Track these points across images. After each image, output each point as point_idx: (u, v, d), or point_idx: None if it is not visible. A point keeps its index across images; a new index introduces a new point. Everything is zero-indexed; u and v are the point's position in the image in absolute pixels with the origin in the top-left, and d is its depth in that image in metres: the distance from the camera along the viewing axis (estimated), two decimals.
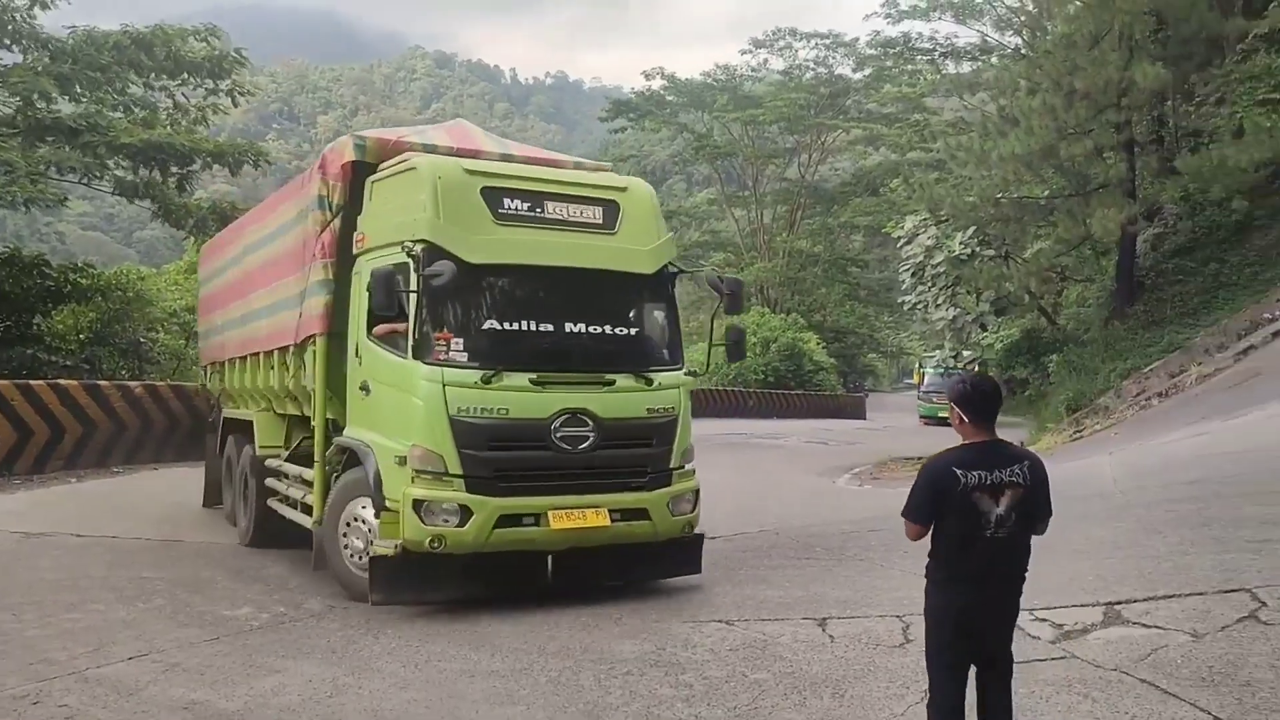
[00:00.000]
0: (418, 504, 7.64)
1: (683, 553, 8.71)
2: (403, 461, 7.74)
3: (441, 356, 7.75)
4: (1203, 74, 29.66)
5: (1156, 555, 8.29)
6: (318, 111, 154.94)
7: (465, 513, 7.66)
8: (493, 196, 8.09)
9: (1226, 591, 6.98)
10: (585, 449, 8.01)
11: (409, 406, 7.81)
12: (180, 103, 23.34)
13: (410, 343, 7.82)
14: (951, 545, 4.23)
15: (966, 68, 40.95)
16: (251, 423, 11.39)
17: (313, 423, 9.24)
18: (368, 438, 8.24)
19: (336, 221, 8.99)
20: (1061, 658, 6.06)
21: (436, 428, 7.66)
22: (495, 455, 7.80)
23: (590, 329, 8.32)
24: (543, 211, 8.21)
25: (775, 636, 7.00)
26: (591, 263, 8.36)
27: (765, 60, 59.12)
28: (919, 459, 23.08)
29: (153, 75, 22.42)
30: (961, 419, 4.35)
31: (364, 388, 8.39)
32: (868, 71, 53.58)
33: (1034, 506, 4.27)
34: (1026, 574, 4.38)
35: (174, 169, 21.98)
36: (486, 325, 8.04)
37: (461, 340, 7.85)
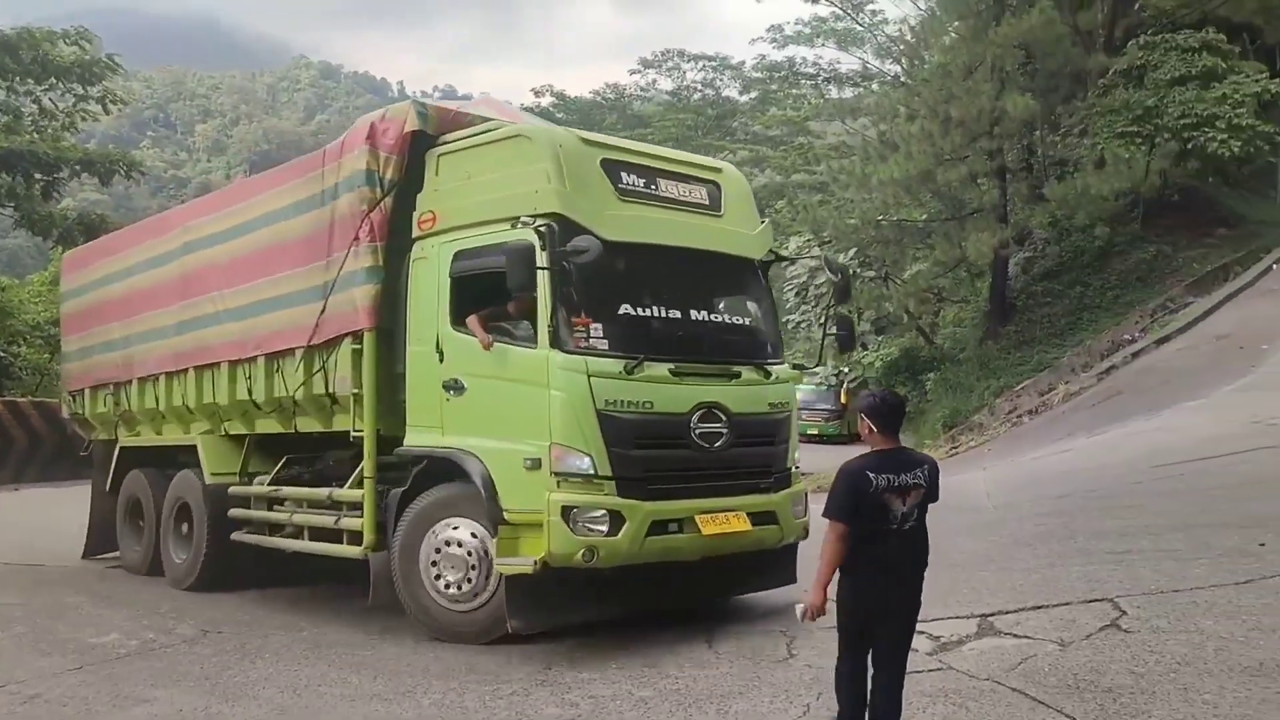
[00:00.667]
0: (566, 511, 6.71)
1: (780, 561, 7.93)
2: (535, 465, 6.80)
3: (582, 344, 6.90)
4: (1068, 106, 31.15)
5: (1027, 568, 8.62)
6: (196, 119, 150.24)
7: (616, 520, 6.77)
8: (612, 170, 7.38)
9: (1090, 601, 7.30)
10: (719, 447, 7.30)
11: (539, 401, 6.84)
12: (47, 108, 22.39)
13: (546, 329, 6.87)
14: (864, 539, 4.67)
15: (849, 93, 42.05)
16: (191, 448, 10.11)
17: (355, 433, 8.08)
18: (465, 443, 7.22)
19: (389, 200, 7.90)
20: (938, 669, 6.23)
21: (583, 424, 6.77)
22: (644, 454, 6.98)
23: (712, 316, 7.78)
24: (656, 189, 7.57)
25: (662, 654, 7.02)
26: (709, 244, 7.78)
27: (654, 80, 59.75)
28: (805, 474, 23.47)
29: (17, 79, 21.49)
30: (870, 429, 4.83)
31: (452, 386, 7.36)
32: (754, 94, 54.60)
33: (930, 502, 4.85)
34: (928, 562, 4.91)
35: (38, 176, 21.06)
36: (621, 310, 7.24)
37: (600, 326, 7.01)
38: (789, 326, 49.08)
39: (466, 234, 7.44)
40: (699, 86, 57.65)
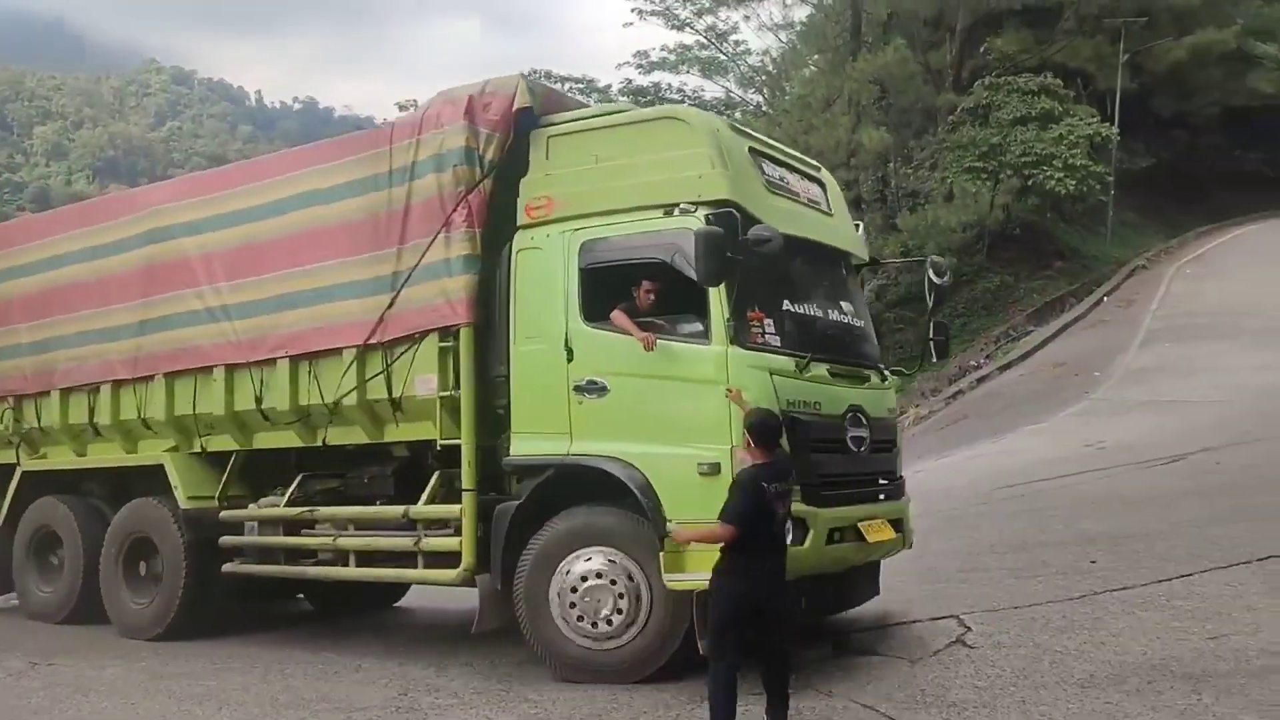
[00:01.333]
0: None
1: (869, 574, 7.54)
2: (713, 470, 6.09)
3: (759, 340, 6.37)
4: (919, 140, 32.54)
5: (881, 586, 8.88)
6: (35, 121, 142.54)
7: (801, 528, 6.10)
8: (757, 160, 6.97)
9: (937, 619, 7.59)
10: (864, 451, 6.92)
11: (716, 401, 6.17)
12: None
13: (724, 324, 6.21)
14: (753, 541, 5.20)
15: None
16: (149, 469, 8.80)
17: (442, 442, 7.15)
18: (611, 449, 6.45)
19: (488, 182, 7.11)
20: (792, 691, 6.35)
21: None
22: (817, 458, 6.45)
23: (845, 317, 7.34)
24: (788, 183, 7.18)
25: (521, 679, 6.96)
26: (838, 243, 7.52)
27: None
28: None
29: None
30: (750, 444, 5.42)
31: (587, 388, 6.58)
32: None
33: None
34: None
35: None
36: (785, 306, 6.73)
37: (771, 321, 6.49)
38: None
39: (597, 221, 6.72)
40: None
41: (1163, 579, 8.02)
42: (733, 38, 36.94)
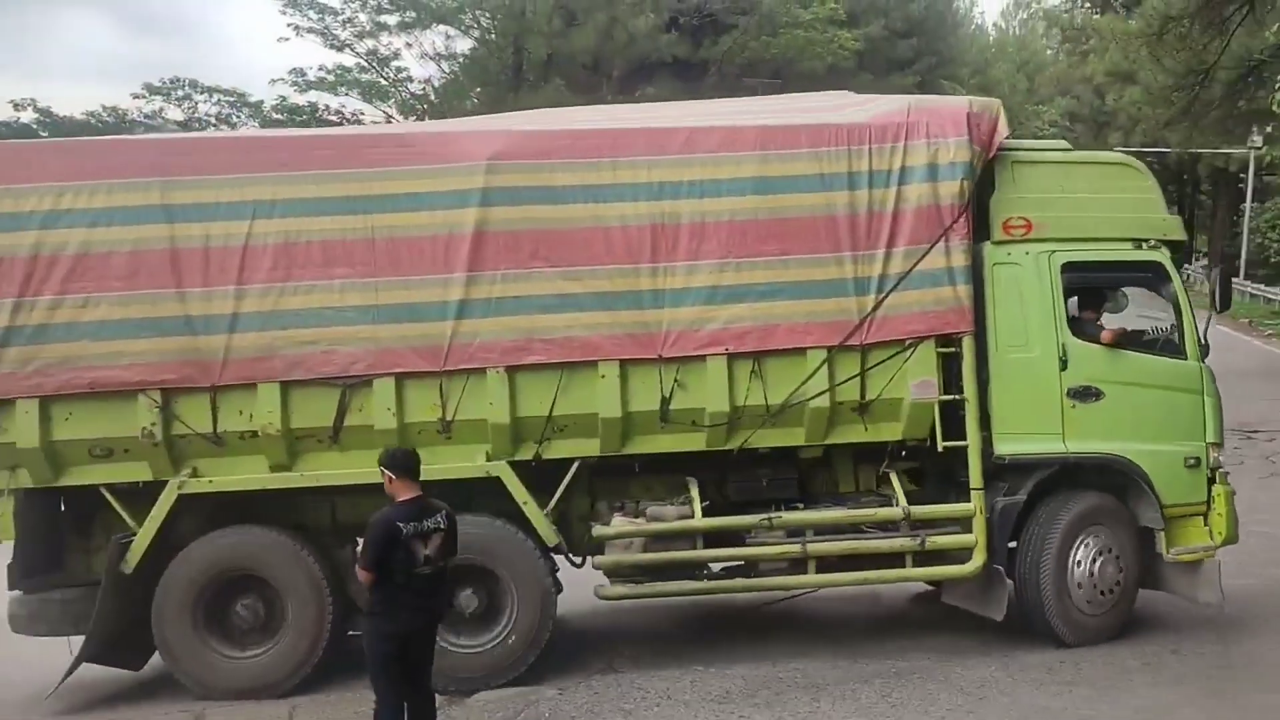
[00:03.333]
0: (1230, 499, 7.52)
1: None
2: (1196, 463, 7.48)
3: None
4: None
5: None
6: None
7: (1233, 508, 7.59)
8: None
9: (595, 644, 7.81)
10: None
11: (1193, 407, 7.55)
12: None
13: (1196, 344, 7.63)
14: (394, 582, 5.16)
15: None
16: (460, 483, 6.73)
17: (944, 444, 7.13)
18: (1106, 448, 7.41)
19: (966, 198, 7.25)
20: None
21: (1221, 424, 7.73)
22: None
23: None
24: None
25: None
26: None
27: (162, 109, 55.29)
28: None
29: None
30: (391, 479, 5.32)
31: (1081, 394, 7.35)
32: None
33: (451, 547, 5.41)
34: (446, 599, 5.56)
35: None
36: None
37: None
38: None
39: (1073, 246, 7.49)
40: (213, 121, 54.34)
41: (790, 598, 8.71)
42: (394, 64, 36.54)
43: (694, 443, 7.16)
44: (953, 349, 7.18)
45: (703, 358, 7.01)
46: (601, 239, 7.00)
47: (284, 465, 6.89)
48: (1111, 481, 7.49)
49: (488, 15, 32.31)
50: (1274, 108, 14.15)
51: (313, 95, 37.93)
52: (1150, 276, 7.67)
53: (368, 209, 6.86)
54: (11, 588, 6.92)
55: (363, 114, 38.31)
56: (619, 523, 7.09)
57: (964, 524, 7.22)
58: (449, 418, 6.88)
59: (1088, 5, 40.45)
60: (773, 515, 7.20)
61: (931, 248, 7.16)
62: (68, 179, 6.71)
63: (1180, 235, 7.99)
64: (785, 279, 7.08)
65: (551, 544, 7.04)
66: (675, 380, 7.01)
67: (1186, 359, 7.59)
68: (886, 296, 7.13)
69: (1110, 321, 7.68)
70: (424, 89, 37.10)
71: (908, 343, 7.13)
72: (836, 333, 7.08)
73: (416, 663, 5.35)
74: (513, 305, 6.89)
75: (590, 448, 7.11)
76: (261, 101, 49.64)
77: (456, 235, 6.86)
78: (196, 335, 6.68)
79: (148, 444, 6.68)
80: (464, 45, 35.65)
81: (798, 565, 7.26)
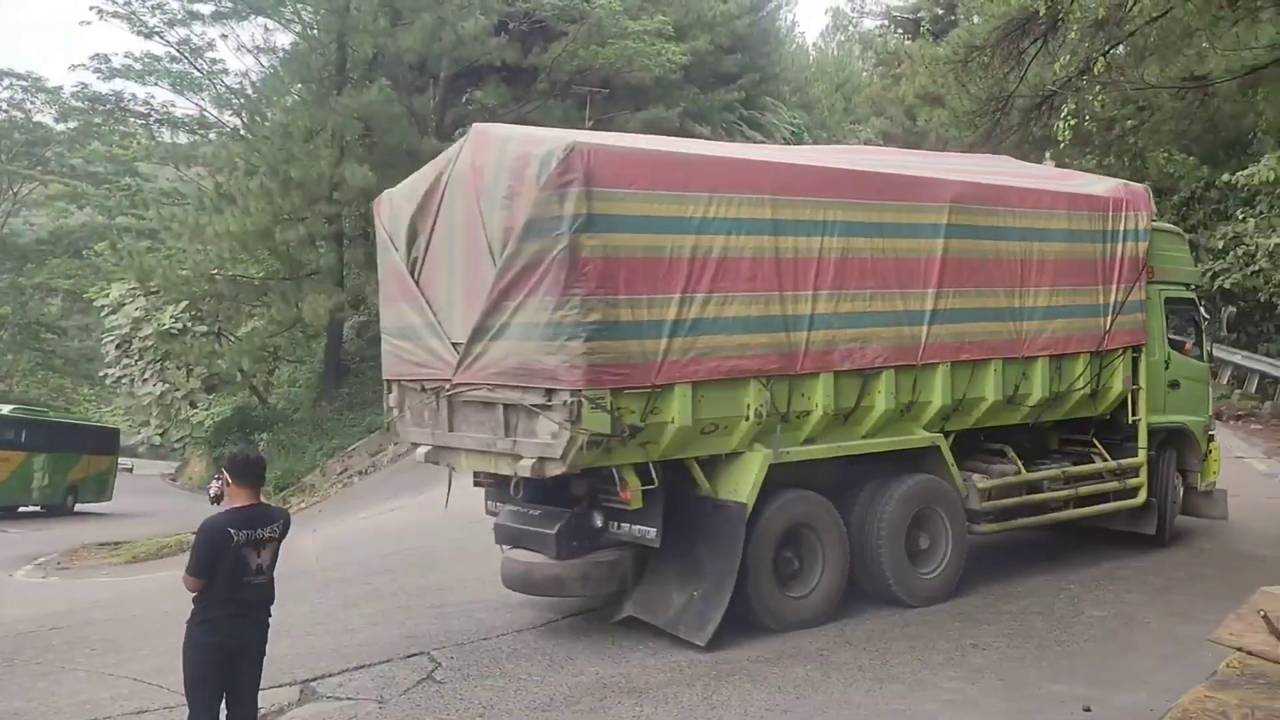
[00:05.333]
0: (1219, 451, 11.66)
1: None
2: (1210, 427, 11.59)
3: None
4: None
5: (352, 628, 8.77)
6: None
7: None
8: None
9: (410, 656, 7.67)
10: None
11: (1205, 392, 11.65)
12: None
13: (1205, 351, 12.07)
14: (222, 591, 5.03)
15: (184, 139, 40.01)
16: (914, 452, 8.90)
17: (1136, 418, 10.36)
18: (1179, 420, 10.97)
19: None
20: None
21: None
22: None
23: None
24: None
25: None
26: None
27: None
28: (117, 544, 21.45)
29: None
30: (227, 483, 5.18)
31: (1173, 384, 10.93)
32: (73, 124, 49.40)
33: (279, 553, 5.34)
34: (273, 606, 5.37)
35: None
36: None
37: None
38: (107, 381, 44.92)
39: (1167, 288, 10.99)
40: (3, 106, 50.63)
41: (613, 602, 8.79)
42: (209, 54, 34.96)
43: (1016, 418, 9.65)
44: (1135, 355, 10.40)
45: (1035, 358, 9.52)
46: (1000, 267, 9.31)
47: (811, 440, 8.29)
48: (1179, 440, 10.97)
49: (310, 10, 31.28)
50: (1057, 135, 15.31)
51: (118, 83, 35.90)
52: (1191, 306, 11.51)
53: (893, 233, 8.64)
54: (561, 556, 7.85)
55: (173, 105, 36.58)
56: (989, 477, 9.42)
57: (1132, 472, 10.29)
58: (914, 400, 8.74)
59: (900, 31, 42.43)
60: (1065, 469, 10.09)
61: (1134, 287, 10.26)
62: (715, 190, 7.61)
63: (1199, 281, 12.16)
64: (1075, 303, 9.85)
65: (963, 495, 9.15)
66: (1022, 373, 9.46)
67: (1204, 361, 11.73)
68: (1114, 319, 10.10)
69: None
70: (240, 83, 35.68)
71: (1119, 350, 10.20)
72: (1094, 342, 10.00)
73: (246, 675, 5.24)
74: (956, 316, 8.93)
75: (967, 423, 9.33)
76: (60, 88, 46.73)
77: (931, 258, 8.78)
78: (789, 332, 7.94)
79: (746, 422, 7.79)
80: (285, 39, 34.46)
81: (1065, 504, 10.15)
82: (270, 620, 5.39)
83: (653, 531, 7.64)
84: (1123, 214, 10.24)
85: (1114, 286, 10.09)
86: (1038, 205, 9.68)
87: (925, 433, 8.88)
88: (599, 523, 7.90)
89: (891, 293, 8.53)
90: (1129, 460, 10.27)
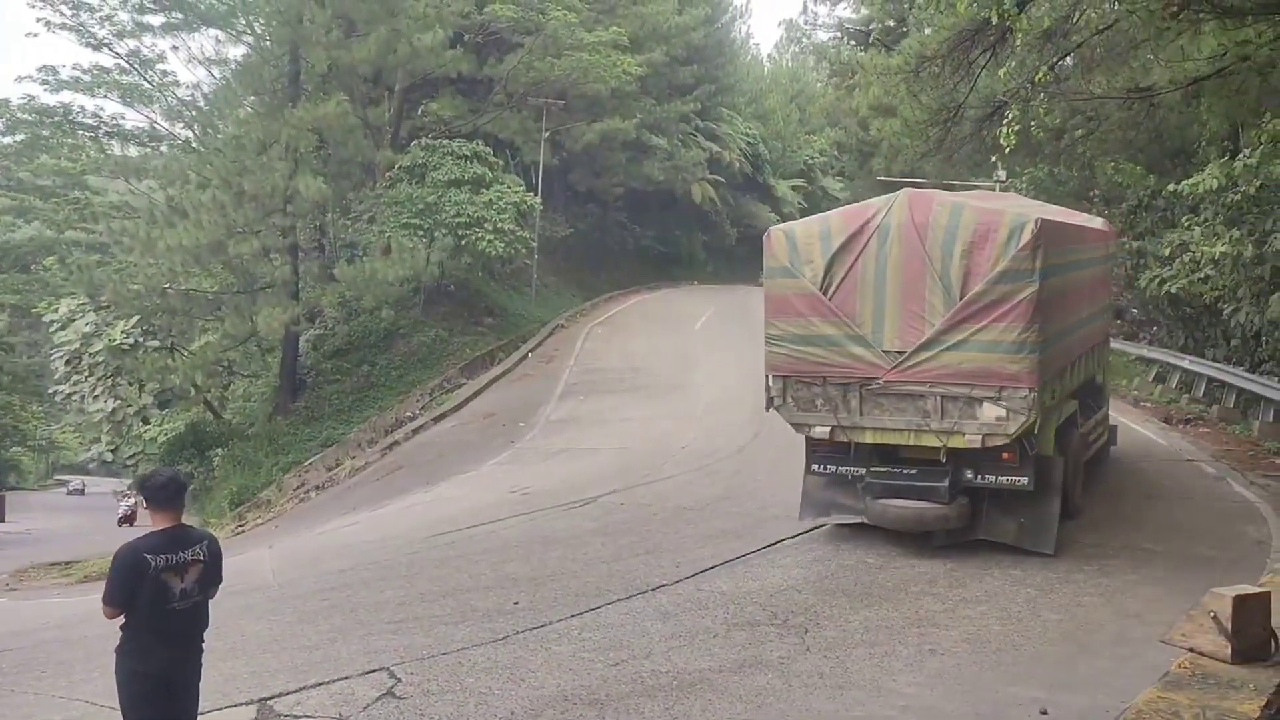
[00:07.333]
0: None
1: None
2: None
3: None
4: (359, 193, 32.80)
5: (309, 645, 8.65)
6: None
7: None
8: None
9: (369, 672, 7.58)
10: None
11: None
12: None
13: None
14: (144, 619, 4.84)
15: (135, 151, 39.44)
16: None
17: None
18: None
19: None
20: None
21: None
22: None
23: None
24: None
25: None
26: None
27: None
28: (68, 564, 21.04)
29: None
30: (146, 507, 5.03)
31: None
32: (20, 137, 48.54)
33: (212, 578, 5.10)
34: (206, 631, 5.16)
35: None
36: None
37: None
38: (57, 398, 44.09)
39: None
40: None
41: (575, 614, 8.77)
42: (159, 66, 34.50)
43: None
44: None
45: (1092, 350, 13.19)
46: (1082, 290, 12.38)
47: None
48: None
49: (262, 22, 31.01)
50: (1001, 140, 15.63)
51: (66, 95, 35.31)
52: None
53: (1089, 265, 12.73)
54: (949, 501, 10.11)
55: (123, 118, 36.03)
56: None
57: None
58: (1088, 374, 12.84)
59: (853, 42, 42.86)
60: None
61: (1109, 302, 13.76)
62: (1082, 243, 12.35)
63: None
64: (1094, 314, 13.28)
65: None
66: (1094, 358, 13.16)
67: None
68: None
69: None
70: (192, 95, 35.28)
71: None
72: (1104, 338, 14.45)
73: (183, 705, 5.06)
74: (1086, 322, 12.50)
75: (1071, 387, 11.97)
76: (7, 100, 45.90)
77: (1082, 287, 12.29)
78: (1076, 333, 11.66)
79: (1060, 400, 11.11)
80: (237, 51, 34.13)
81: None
82: (204, 646, 5.19)
83: (1025, 479, 10.00)
84: (1108, 243, 13.76)
85: (1105, 302, 13.85)
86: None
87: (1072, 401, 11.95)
88: (970, 475, 10.12)
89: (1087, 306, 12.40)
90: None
